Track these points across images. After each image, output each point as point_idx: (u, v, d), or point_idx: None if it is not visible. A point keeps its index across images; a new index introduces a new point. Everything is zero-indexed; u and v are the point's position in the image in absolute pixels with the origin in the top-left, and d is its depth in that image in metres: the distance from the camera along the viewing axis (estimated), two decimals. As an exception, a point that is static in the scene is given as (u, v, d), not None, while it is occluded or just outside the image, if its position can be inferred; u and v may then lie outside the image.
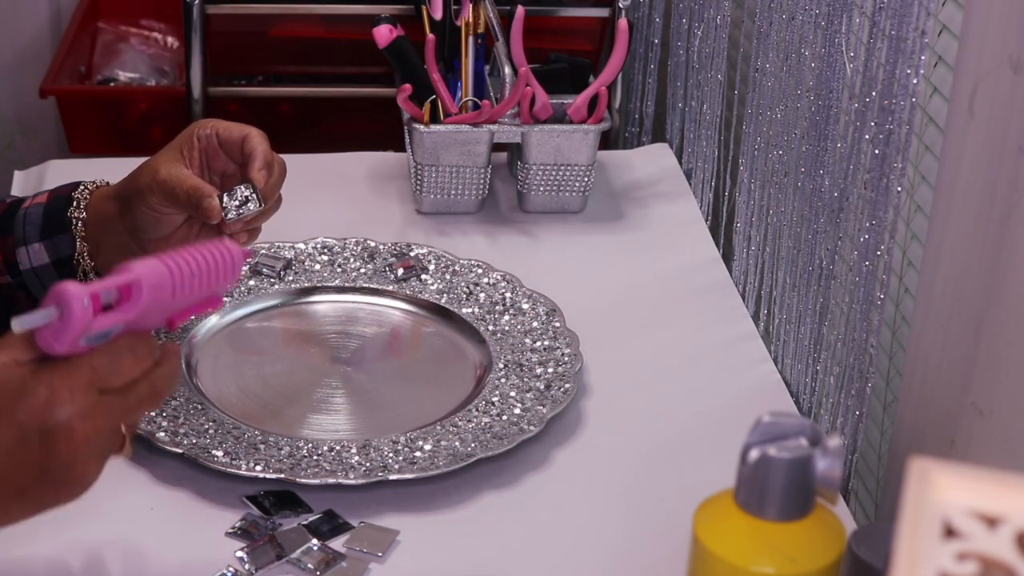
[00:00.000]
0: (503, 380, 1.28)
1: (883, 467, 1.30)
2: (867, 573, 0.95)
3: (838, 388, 1.27)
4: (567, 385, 1.26)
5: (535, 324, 1.34)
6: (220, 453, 1.17)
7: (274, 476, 1.15)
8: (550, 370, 1.28)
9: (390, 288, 1.40)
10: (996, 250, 1.08)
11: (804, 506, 0.93)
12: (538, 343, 1.32)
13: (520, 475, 1.21)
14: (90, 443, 0.90)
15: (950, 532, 0.66)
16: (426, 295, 1.39)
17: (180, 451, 1.17)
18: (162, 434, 1.18)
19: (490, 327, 1.35)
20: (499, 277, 1.40)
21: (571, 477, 1.21)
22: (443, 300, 1.39)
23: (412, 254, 1.43)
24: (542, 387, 1.27)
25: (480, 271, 1.40)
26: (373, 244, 1.44)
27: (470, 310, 1.37)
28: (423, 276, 1.41)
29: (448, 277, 1.41)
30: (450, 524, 1.16)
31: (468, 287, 1.39)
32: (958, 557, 0.65)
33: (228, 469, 1.16)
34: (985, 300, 1.10)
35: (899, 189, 1.15)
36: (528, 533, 1.15)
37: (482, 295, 1.38)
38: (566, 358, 1.29)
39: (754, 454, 0.91)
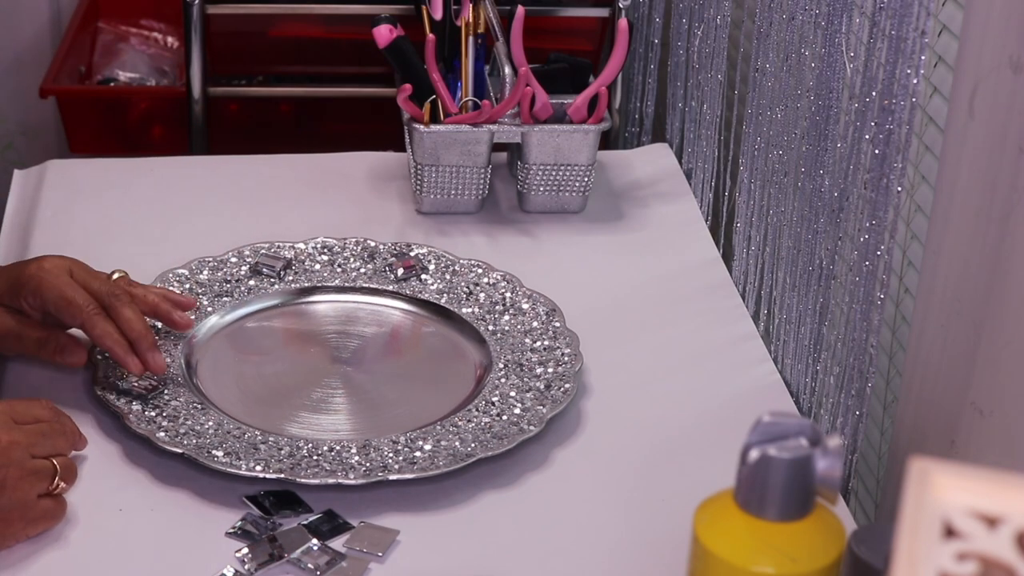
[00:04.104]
0: (503, 380, 1.28)
1: (883, 467, 1.30)
2: (867, 573, 0.95)
3: (838, 388, 1.27)
4: (567, 385, 1.26)
5: (535, 324, 1.34)
6: (220, 453, 1.17)
7: (274, 476, 1.15)
8: (550, 370, 1.28)
9: (390, 288, 1.40)
10: (996, 250, 1.08)
11: (804, 506, 0.93)
12: (538, 343, 1.32)
13: (520, 475, 1.21)
14: (7, 453, 1.08)
15: (950, 532, 0.66)
16: (426, 295, 1.39)
17: (180, 451, 1.17)
18: (162, 434, 1.18)
19: (490, 327, 1.35)
20: (499, 277, 1.40)
21: (571, 477, 1.21)
22: (443, 300, 1.39)
23: (412, 254, 1.43)
24: (542, 387, 1.27)
25: (480, 271, 1.40)
26: (373, 244, 1.44)
27: (470, 310, 1.37)
28: (423, 276, 1.41)
29: (448, 277, 1.41)
30: (450, 524, 1.16)
31: (468, 287, 1.39)
32: (958, 557, 0.65)
33: (228, 469, 1.16)
34: (985, 300, 1.10)
35: (899, 189, 1.15)
36: (528, 533, 1.15)
37: (482, 295, 1.38)
38: (566, 358, 1.29)
39: (754, 454, 0.91)
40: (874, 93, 1.15)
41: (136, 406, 1.22)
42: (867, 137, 1.17)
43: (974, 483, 0.67)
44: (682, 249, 1.54)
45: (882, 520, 1.27)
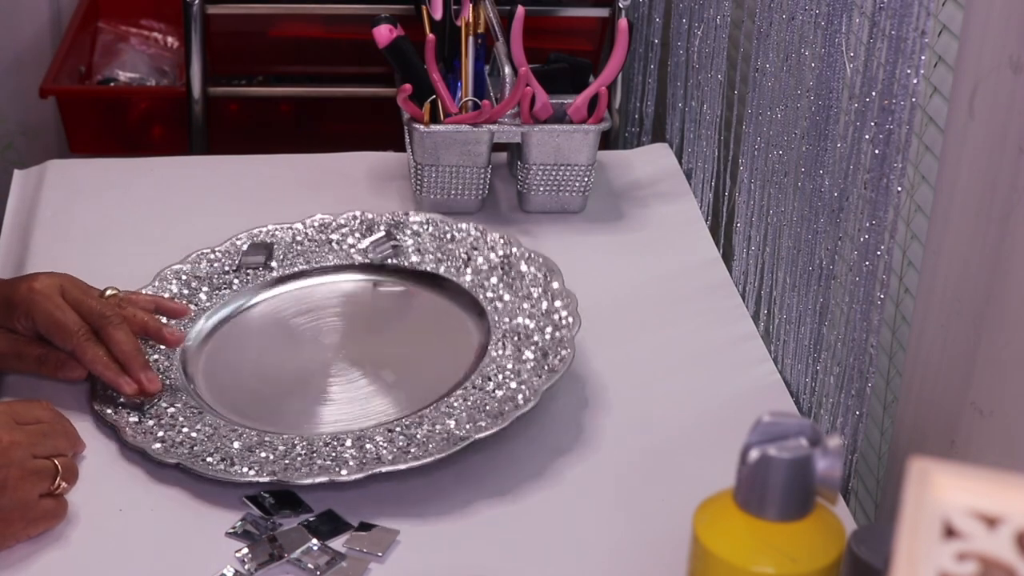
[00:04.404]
0: (500, 352, 1.27)
1: (883, 467, 1.30)
2: (867, 573, 0.95)
3: (838, 388, 1.27)
4: (564, 352, 1.25)
5: (533, 289, 1.33)
6: (215, 459, 1.17)
7: (267, 479, 1.15)
8: (547, 335, 1.28)
9: (388, 263, 1.40)
10: (996, 250, 1.08)
11: (804, 506, 0.93)
12: (535, 308, 1.31)
13: (520, 475, 1.21)
14: (8, 453, 1.09)
15: (950, 532, 0.66)
16: (424, 266, 1.39)
17: (174, 462, 1.17)
18: (158, 445, 1.18)
19: (488, 293, 1.34)
20: (497, 238, 1.38)
21: (570, 477, 1.21)
22: (441, 269, 1.38)
23: (407, 221, 1.42)
24: (539, 356, 1.26)
25: (478, 234, 1.39)
26: (371, 216, 1.43)
27: (469, 278, 1.36)
28: (420, 246, 1.40)
29: (446, 244, 1.40)
30: (450, 524, 1.16)
31: (466, 253, 1.38)
32: (958, 557, 0.65)
33: (221, 476, 1.15)
34: (985, 300, 1.10)
35: (899, 189, 1.15)
36: (528, 533, 1.15)
37: (479, 259, 1.37)
38: (563, 322, 1.28)
39: (754, 454, 0.91)
40: (874, 93, 1.15)
41: (132, 418, 1.22)
42: (867, 137, 1.17)
43: (974, 483, 0.67)
44: (682, 249, 1.54)
45: (882, 520, 1.27)
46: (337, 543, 1.13)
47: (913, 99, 1.11)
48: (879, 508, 1.29)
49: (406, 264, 1.40)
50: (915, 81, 1.10)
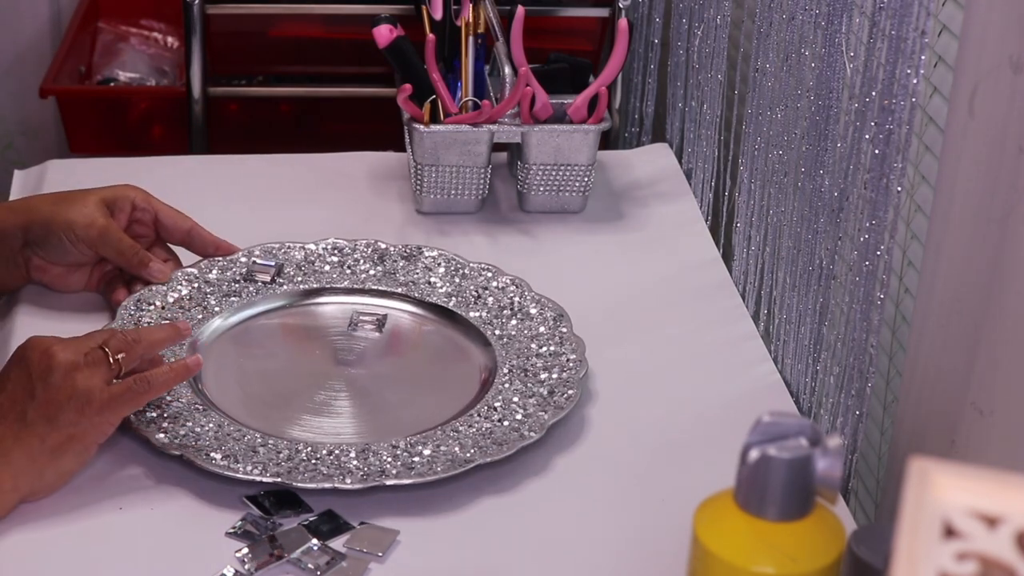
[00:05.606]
0: (507, 385, 1.28)
1: (883, 467, 1.30)
2: (867, 573, 0.95)
3: (838, 388, 1.27)
4: (571, 391, 1.26)
5: (542, 329, 1.34)
6: (218, 456, 1.17)
7: (271, 480, 1.15)
8: (555, 375, 1.28)
9: (398, 291, 1.40)
10: (996, 250, 1.08)
11: (804, 506, 0.93)
12: (544, 348, 1.31)
13: (520, 476, 1.21)
14: (65, 354, 1.13)
15: (950, 532, 0.66)
16: (434, 298, 1.39)
17: (178, 453, 1.17)
18: (161, 435, 1.18)
19: (496, 331, 1.34)
20: (508, 281, 1.39)
21: (570, 477, 1.21)
22: (451, 303, 1.38)
23: (423, 254, 1.43)
24: (545, 392, 1.26)
25: (489, 275, 1.40)
26: (384, 246, 1.44)
27: (478, 314, 1.36)
28: (432, 279, 1.40)
29: (457, 280, 1.40)
30: (451, 525, 1.16)
31: (477, 291, 1.39)
32: (958, 557, 0.65)
33: (225, 472, 1.15)
34: (985, 300, 1.10)
35: (899, 189, 1.15)
36: (528, 533, 1.15)
37: (490, 299, 1.38)
38: (571, 364, 1.29)
39: (754, 454, 0.91)
40: (874, 93, 1.15)
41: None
42: (867, 137, 1.17)
43: (974, 483, 0.67)
44: (682, 249, 1.54)
45: (882, 520, 1.27)
46: (337, 543, 1.13)
47: (913, 99, 1.11)
48: (879, 508, 1.29)
49: (416, 295, 1.39)
50: (915, 81, 1.10)
